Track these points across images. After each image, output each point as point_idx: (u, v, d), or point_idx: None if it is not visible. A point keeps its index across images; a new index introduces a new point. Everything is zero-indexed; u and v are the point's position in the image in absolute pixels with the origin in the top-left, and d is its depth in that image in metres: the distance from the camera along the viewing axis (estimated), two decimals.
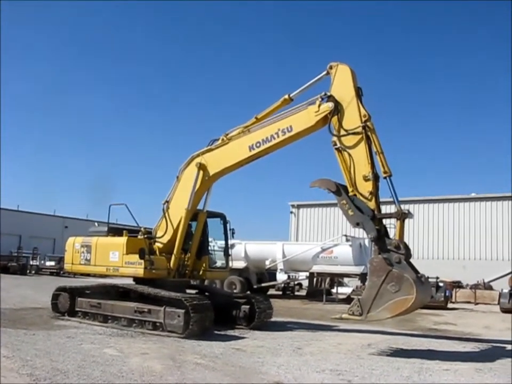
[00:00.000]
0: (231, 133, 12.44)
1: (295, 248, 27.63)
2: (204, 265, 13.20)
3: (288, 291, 30.28)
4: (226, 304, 12.96)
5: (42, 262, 45.04)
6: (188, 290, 13.29)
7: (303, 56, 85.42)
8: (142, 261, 11.97)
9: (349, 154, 10.37)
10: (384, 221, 10.11)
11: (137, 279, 12.71)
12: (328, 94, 10.92)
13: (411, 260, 9.76)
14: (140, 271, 12.09)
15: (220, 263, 14.16)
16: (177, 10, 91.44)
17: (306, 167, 74.08)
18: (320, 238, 39.56)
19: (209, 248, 13.89)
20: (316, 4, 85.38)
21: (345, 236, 27.88)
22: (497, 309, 23.36)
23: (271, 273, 27.95)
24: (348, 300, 23.42)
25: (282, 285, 29.65)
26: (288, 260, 26.74)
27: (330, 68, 11.13)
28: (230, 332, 12.03)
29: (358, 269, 24.28)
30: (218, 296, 13.59)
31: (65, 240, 14.41)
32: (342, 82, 10.90)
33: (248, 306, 12.75)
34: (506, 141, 71.06)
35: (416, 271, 9.52)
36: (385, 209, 10.71)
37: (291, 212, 46.33)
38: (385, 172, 10.06)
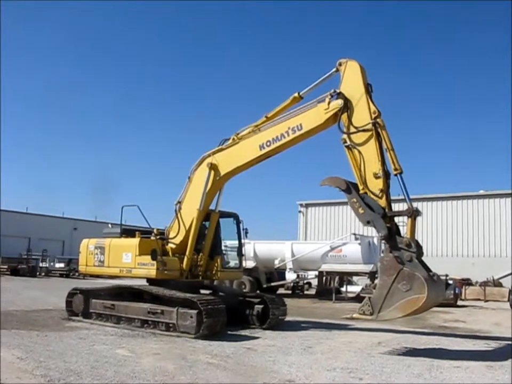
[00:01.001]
0: (242, 132, 12.41)
1: (304, 247, 27.62)
2: (217, 265, 13.12)
3: (297, 290, 30.23)
4: (239, 304, 12.95)
5: (52, 264, 45.25)
6: (201, 291, 13.27)
7: (312, 53, 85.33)
8: (154, 262, 11.96)
9: (359, 152, 10.24)
10: (395, 218, 9.96)
11: (150, 280, 12.71)
12: (338, 91, 10.80)
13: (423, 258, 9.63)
14: (152, 272, 12.08)
15: (233, 263, 14.09)
16: (183, 8, 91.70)
17: (314, 166, 74.05)
18: (329, 237, 39.58)
19: (222, 248, 13.86)
20: (324, 2, 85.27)
21: (354, 234, 27.81)
22: (507, 306, 23.29)
23: (280, 273, 28.00)
24: (357, 298, 23.43)
25: (292, 284, 29.64)
26: (297, 259, 26.73)
27: (340, 64, 11.01)
28: (242, 332, 12.02)
29: (367, 267, 24.25)
30: (231, 296, 13.54)
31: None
32: (351, 79, 10.76)
33: (261, 306, 12.71)
34: None
35: (428, 270, 9.34)
36: (396, 207, 10.58)
37: (299, 211, 46.36)
38: (395, 169, 9.90)
